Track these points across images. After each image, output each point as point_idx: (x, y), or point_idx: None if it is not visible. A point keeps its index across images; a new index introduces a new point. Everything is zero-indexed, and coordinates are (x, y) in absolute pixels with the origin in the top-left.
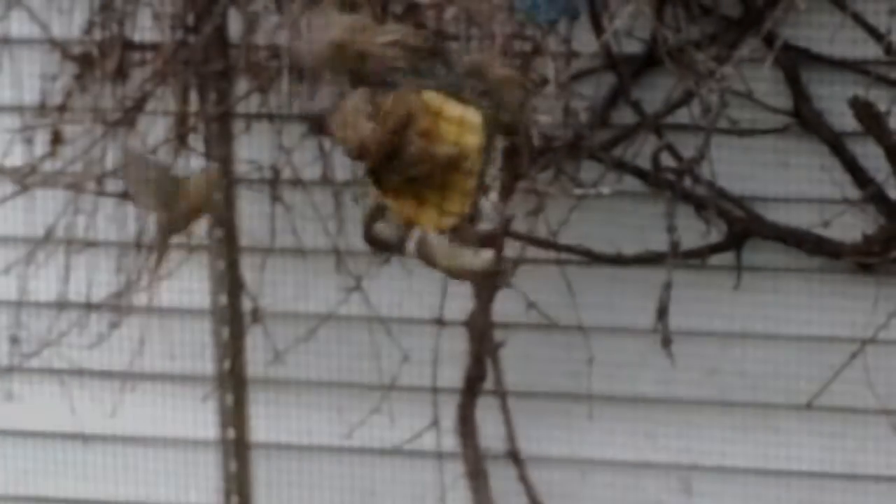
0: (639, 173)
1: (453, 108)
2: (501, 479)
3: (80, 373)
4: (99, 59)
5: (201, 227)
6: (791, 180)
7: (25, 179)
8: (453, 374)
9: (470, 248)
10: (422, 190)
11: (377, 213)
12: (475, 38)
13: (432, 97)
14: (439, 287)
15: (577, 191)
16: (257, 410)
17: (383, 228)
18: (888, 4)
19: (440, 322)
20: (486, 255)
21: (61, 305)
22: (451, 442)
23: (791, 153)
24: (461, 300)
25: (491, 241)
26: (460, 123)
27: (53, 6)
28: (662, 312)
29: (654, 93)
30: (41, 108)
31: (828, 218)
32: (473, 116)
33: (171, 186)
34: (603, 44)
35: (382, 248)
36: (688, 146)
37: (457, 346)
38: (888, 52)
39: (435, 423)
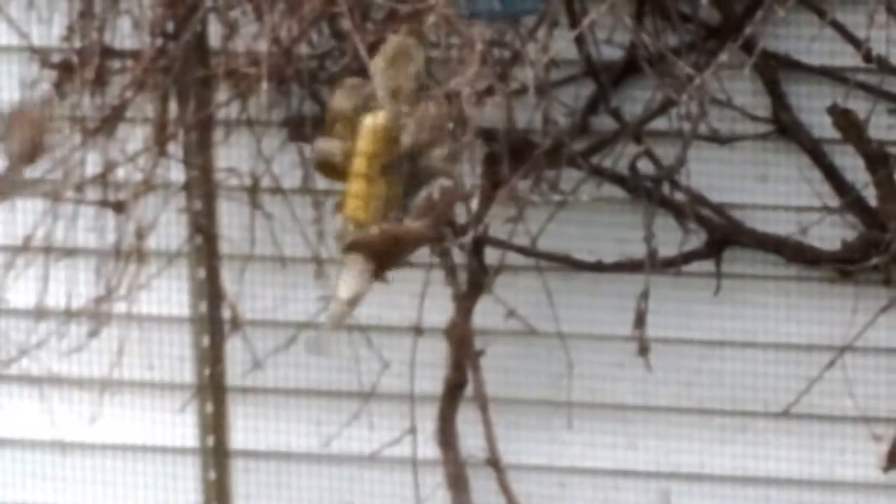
0: (619, 180)
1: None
2: (482, 486)
3: (58, 381)
4: (78, 66)
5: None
6: (770, 188)
7: (4, 188)
8: (434, 383)
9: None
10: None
11: (338, 206)
12: (455, 46)
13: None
14: (419, 296)
15: (556, 197)
16: (237, 418)
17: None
18: (867, 13)
19: (418, 330)
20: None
21: (40, 313)
22: (431, 450)
23: (770, 161)
24: (441, 309)
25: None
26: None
27: (33, 15)
28: (640, 321)
29: (634, 100)
30: None
31: (807, 225)
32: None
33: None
34: (583, 51)
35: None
36: (668, 154)
37: (437, 354)
38: (867, 59)
39: (412, 430)
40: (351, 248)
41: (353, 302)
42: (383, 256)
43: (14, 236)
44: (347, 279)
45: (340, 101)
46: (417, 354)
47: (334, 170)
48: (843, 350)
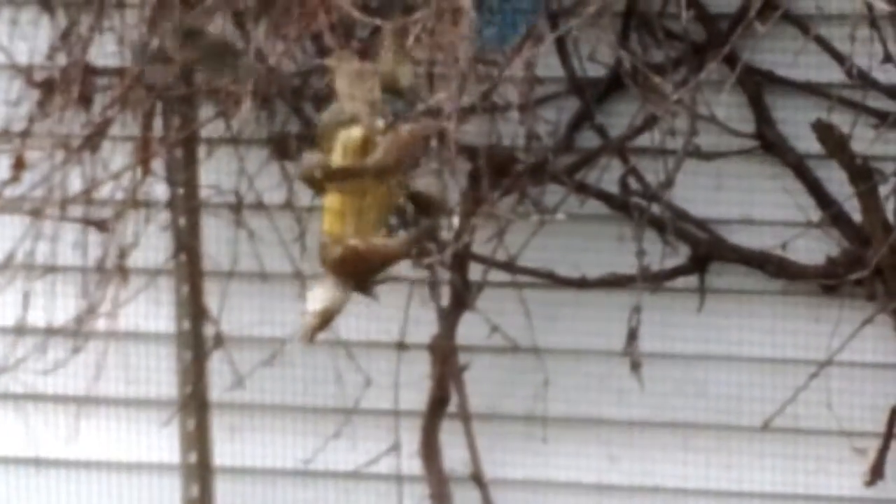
0: (603, 197)
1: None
2: (465, 501)
3: (40, 398)
4: (62, 84)
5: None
6: (754, 203)
7: None
8: (417, 398)
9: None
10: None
11: None
12: (438, 63)
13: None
14: (402, 311)
15: (535, 216)
16: (219, 434)
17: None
18: (850, 28)
19: (402, 345)
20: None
21: (21, 330)
22: (415, 465)
23: (754, 176)
24: (425, 324)
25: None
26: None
27: (17, 32)
28: (632, 336)
29: (619, 117)
30: (4, 134)
31: (792, 241)
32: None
33: None
34: (567, 68)
35: None
36: (651, 170)
37: (420, 369)
38: (850, 75)
39: (395, 446)
40: (325, 264)
41: (324, 316)
42: (359, 272)
43: None
44: (318, 292)
45: (327, 116)
46: (403, 370)
47: (316, 184)
48: (824, 364)
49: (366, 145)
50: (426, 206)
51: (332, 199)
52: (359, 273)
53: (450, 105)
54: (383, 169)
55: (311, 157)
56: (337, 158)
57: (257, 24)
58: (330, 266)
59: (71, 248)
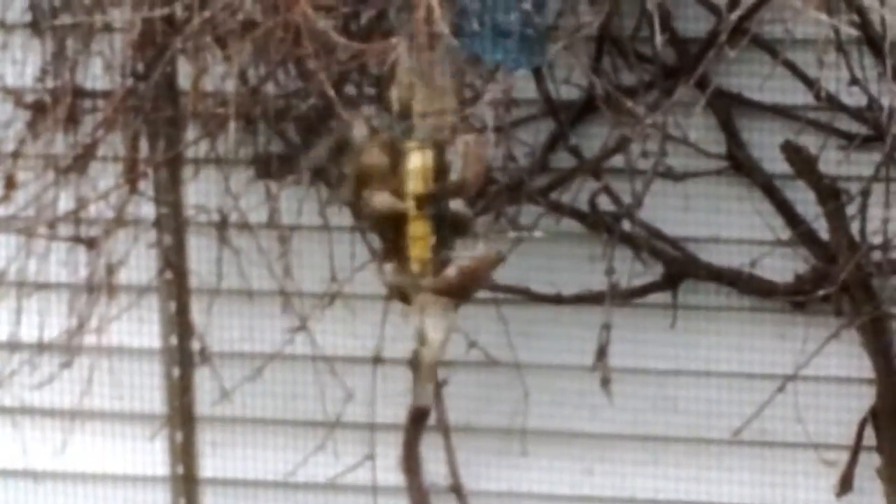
0: (578, 216)
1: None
2: None
3: (31, 411)
4: (51, 106)
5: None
6: (725, 222)
7: None
8: (397, 412)
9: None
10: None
11: (385, 255)
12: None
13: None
14: (382, 327)
15: (512, 234)
16: (206, 447)
17: (387, 272)
18: (817, 53)
19: (377, 360)
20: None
21: (12, 346)
22: (395, 477)
23: (724, 196)
24: (404, 340)
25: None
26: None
27: (7, 56)
28: (601, 353)
29: (592, 138)
30: None
31: (760, 259)
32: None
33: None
34: (542, 91)
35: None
36: (625, 190)
37: (400, 384)
38: (818, 98)
39: (371, 457)
40: (439, 290)
41: (444, 342)
42: (470, 289)
43: None
44: (436, 321)
45: (373, 157)
46: (382, 384)
47: (389, 222)
48: (789, 379)
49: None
50: (457, 226)
51: (416, 227)
52: (470, 290)
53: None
54: (464, 186)
55: (382, 199)
56: (417, 186)
57: (241, 47)
58: (446, 289)
59: (60, 265)
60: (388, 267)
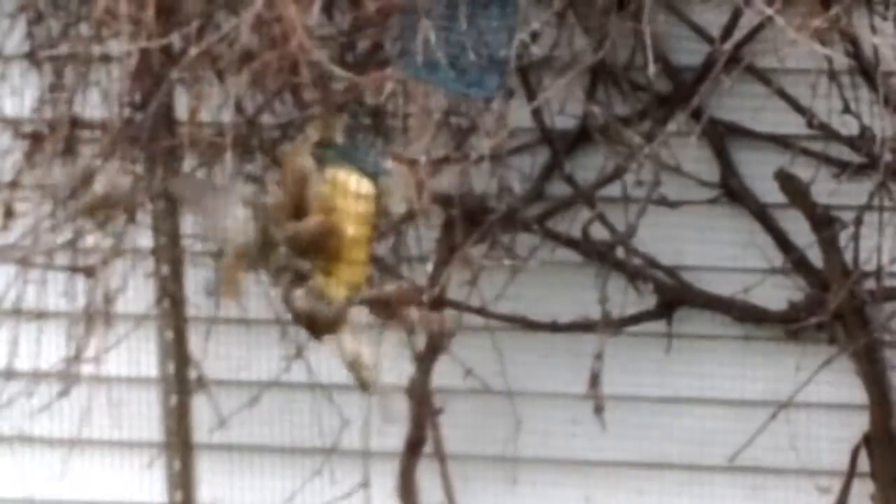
0: (573, 244)
1: (348, 180)
2: None
3: (29, 439)
4: (48, 136)
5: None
6: (718, 250)
7: None
8: (394, 439)
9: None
10: (325, 261)
11: (294, 282)
12: (412, 114)
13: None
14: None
15: (507, 262)
16: (203, 475)
17: (299, 298)
18: (810, 82)
19: (374, 388)
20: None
21: (10, 374)
22: None
23: (718, 224)
24: (401, 367)
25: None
26: (351, 194)
27: (6, 86)
28: (595, 380)
29: (587, 167)
30: None
31: (754, 286)
32: (365, 187)
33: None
34: (538, 120)
35: (297, 318)
36: (620, 218)
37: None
38: (811, 126)
39: (366, 484)
40: (373, 304)
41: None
42: (394, 311)
43: None
44: (364, 342)
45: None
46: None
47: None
48: (782, 406)
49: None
50: None
51: (355, 251)
52: (399, 313)
53: (423, 156)
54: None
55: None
56: (365, 208)
57: (238, 77)
58: (383, 303)
59: (58, 294)
60: (299, 293)
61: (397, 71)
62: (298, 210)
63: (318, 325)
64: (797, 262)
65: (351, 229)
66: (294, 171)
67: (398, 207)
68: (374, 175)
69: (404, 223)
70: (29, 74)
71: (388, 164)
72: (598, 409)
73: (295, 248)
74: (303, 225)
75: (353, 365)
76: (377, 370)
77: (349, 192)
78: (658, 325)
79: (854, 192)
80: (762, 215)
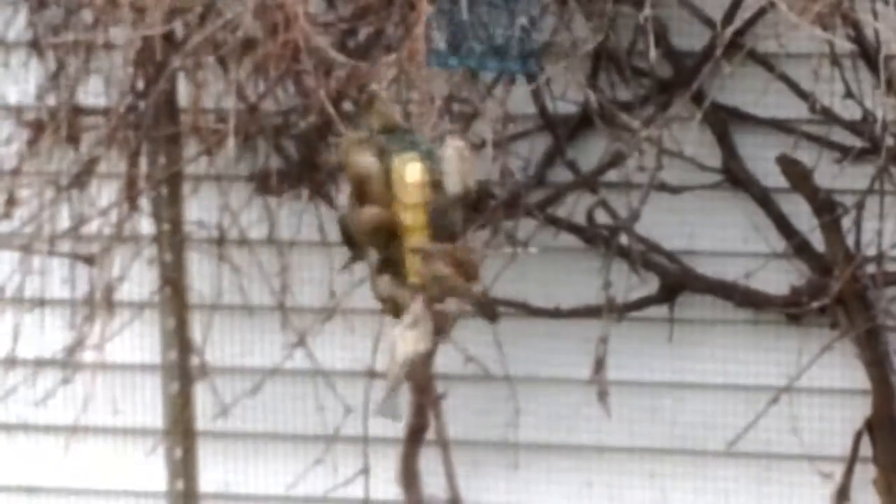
0: (575, 230)
1: (403, 169)
2: None
3: (30, 427)
4: (51, 123)
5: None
6: (721, 235)
7: None
8: (396, 426)
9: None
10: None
11: (380, 267)
12: (414, 101)
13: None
14: (380, 341)
15: (508, 249)
16: (205, 462)
17: (382, 284)
18: (812, 67)
19: (373, 374)
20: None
21: (11, 362)
22: (394, 491)
23: (721, 209)
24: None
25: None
26: (408, 183)
27: (8, 75)
28: (599, 366)
29: (589, 153)
30: None
31: (756, 271)
32: (419, 174)
33: None
34: (539, 106)
35: (383, 304)
36: (622, 203)
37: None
38: (813, 111)
39: (367, 471)
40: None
41: (414, 357)
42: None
43: None
44: (408, 333)
45: (361, 160)
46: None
47: (381, 235)
48: (783, 390)
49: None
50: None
51: (414, 239)
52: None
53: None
54: (466, 193)
55: (371, 211)
56: (415, 197)
57: (240, 64)
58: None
59: (60, 282)
60: (383, 279)
61: (433, 64)
62: (363, 202)
63: (400, 312)
64: (799, 247)
65: (409, 218)
66: (356, 166)
67: (455, 188)
68: (429, 156)
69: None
70: (31, 62)
71: (446, 145)
72: (602, 395)
73: (361, 239)
74: (360, 216)
75: (403, 363)
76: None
77: (405, 182)
78: (660, 311)
79: (856, 177)
80: (764, 200)
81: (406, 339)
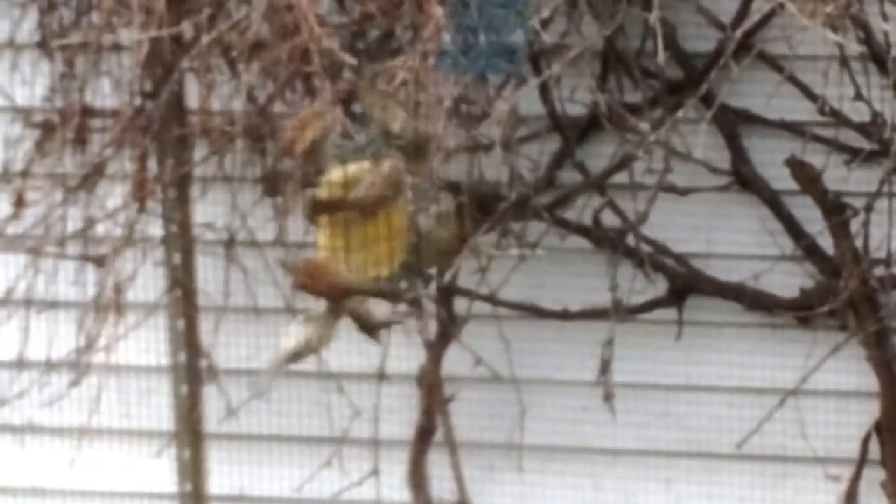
0: (583, 232)
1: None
2: None
3: (40, 429)
4: (59, 125)
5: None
6: (729, 237)
7: None
8: (404, 428)
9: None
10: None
11: None
12: (423, 102)
13: None
14: (390, 344)
15: (514, 251)
16: (214, 464)
17: None
18: (822, 69)
19: (381, 376)
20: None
21: (21, 364)
22: (402, 493)
23: (729, 211)
24: (411, 356)
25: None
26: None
27: (17, 76)
28: (605, 368)
29: (598, 155)
30: (4, 174)
31: (763, 272)
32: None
33: None
34: (548, 108)
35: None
36: (631, 206)
37: (407, 400)
38: (822, 113)
39: (376, 473)
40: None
41: (295, 354)
42: (321, 292)
43: None
44: (293, 330)
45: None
46: (390, 401)
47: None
48: (791, 392)
49: (347, 184)
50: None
51: (320, 236)
52: (321, 292)
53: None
54: (363, 204)
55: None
56: (321, 194)
57: (249, 66)
58: (294, 279)
59: (69, 284)
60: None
61: (442, 67)
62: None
63: None
64: (808, 249)
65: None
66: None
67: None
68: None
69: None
70: (40, 63)
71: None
72: (608, 397)
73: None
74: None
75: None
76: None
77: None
78: (669, 313)
79: (865, 179)
80: (773, 202)
81: (295, 334)
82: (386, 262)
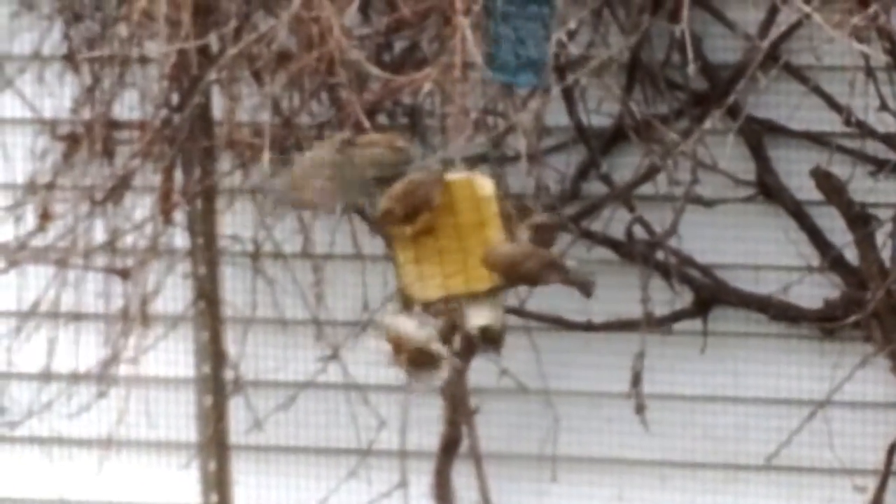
0: (609, 243)
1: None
2: None
3: (66, 441)
4: (86, 137)
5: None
6: (755, 249)
7: (15, 255)
8: (430, 439)
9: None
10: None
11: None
12: (450, 114)
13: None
14: None
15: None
16: (239, 475)
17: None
18: (847, 80)
19: (406, 387)
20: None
21: (47, 376)
22: None
23: (755, 223)
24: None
25: None
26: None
27: (44, 89)
28: (636, 380)
29: (624, 166)
30: (30, 186)
31: (791, 285)
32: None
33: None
34: (574, 119)
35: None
36: (655, 217)
37: (432, 412)
38: (848, 124)
39: (403, 485)
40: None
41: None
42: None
43: (23, 301)
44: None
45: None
46: (415, 412)
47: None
48: (819, 406)
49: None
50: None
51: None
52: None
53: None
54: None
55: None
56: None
57: (275, 77)
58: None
59: (95, 296)
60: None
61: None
62: None
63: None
64: (833, 261)
65: None
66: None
67: None
68: None
69: None
70: (66, 76)
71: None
72: (640, 409)
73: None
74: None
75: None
76: None
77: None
78: (694, 324)
79: (891, 190)
80: (798, 213)
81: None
82: (485, 277)
